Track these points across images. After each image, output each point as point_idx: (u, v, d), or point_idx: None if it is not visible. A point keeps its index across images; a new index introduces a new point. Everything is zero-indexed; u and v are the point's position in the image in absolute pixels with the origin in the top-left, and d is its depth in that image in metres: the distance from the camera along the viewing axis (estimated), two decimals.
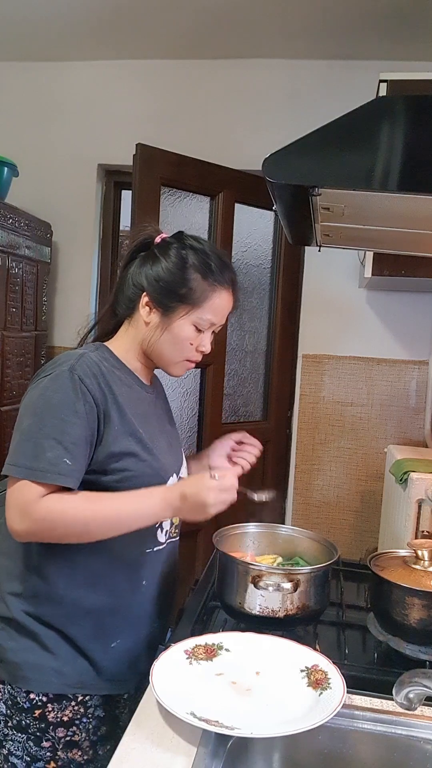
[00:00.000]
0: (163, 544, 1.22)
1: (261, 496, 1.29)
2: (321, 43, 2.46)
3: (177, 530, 1.28)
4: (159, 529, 1.20)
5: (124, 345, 1.23)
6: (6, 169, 2.32)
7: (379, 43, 2.40)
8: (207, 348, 1.22)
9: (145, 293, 1.18)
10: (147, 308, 1.18)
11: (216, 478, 1.07)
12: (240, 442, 1.38)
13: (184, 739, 0.88)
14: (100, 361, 1.14)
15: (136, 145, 2.25)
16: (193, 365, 1.24)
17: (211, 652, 1.05)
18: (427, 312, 2.55)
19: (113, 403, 1.12)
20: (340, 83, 2.52)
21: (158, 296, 1.17)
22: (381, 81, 1.91)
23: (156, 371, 1.31)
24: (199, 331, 1.19)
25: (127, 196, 2.80)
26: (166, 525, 1.22)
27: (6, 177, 2.33)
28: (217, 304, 1.19)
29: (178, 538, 1.29)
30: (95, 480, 1.10)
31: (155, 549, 1.20)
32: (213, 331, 1.24)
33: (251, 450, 1.37)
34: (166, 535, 1.22)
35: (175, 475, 1.24)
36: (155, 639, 1.21)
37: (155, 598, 1.22)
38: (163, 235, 1.23)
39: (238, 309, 2.67)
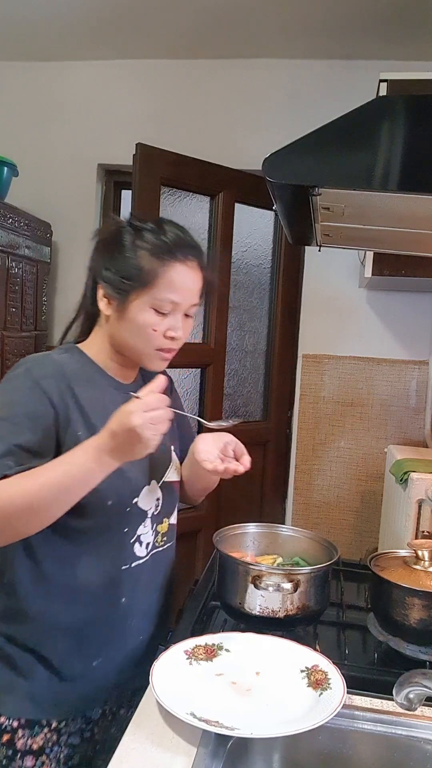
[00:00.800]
0: (143, 557, 1.14)
1: (220, 423, 1.19)
2: (321, 43, 2.46)
3: (165, 539, 1.21)
4: (137, 543, 1.13)
5: (96, 345, 1.16)
6: (6, 169, 2.32)
7: (379, 43, 2.39)
8: (178, 333, 1.10)
9: (99, 286, 1.11)
10: (105, 300, 1.10)
11: (139, 398, 0.95)
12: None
13: (184, 739, 0.88)
14: (66, 363, 1.09)
15: (136, 145, 2.25)
16: (170, 354, 1.13)
17: (211, 653, 1.05)
18: (427, 312, 2.55)
19: (75, 406, 1.05)
20: (340, 83, 2.52)
21: (110, 284, 1.09)
22: (381, 81, 1.91)
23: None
24: (161, 314, 1.08)
25: (127, 196, 2.80)
26: (147, 537, 1.15)
27: (6, 177, 2.33)
28: (175, 280, 1.07)
29: (167, 545, 1.22)
30: None
31: (134, 564, 1.12)
32: (187, 315, 1.13)
33: (239, 466, 1.17)
34: (147, 547, 1.15)
35: (153, 483, 1.17)
36: (147, 654, 1.15)
37: (142, 613, 1.17)
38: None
39: (236, 308, 2.71)
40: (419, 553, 1.22)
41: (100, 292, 1.10)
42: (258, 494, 2.75)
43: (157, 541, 1.19)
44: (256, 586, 1.14)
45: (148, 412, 0.93)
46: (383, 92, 1.90)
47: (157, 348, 1.10)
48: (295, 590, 1.14)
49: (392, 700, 0.83)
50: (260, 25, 2.35)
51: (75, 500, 0.97)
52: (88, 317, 1.19)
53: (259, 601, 1.16)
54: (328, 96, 2.49)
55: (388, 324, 2.60)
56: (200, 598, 1.32)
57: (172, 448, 1.26)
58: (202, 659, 1.04)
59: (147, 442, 0.94)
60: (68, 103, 2.75)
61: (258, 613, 1.16)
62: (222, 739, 0.88)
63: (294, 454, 2.71)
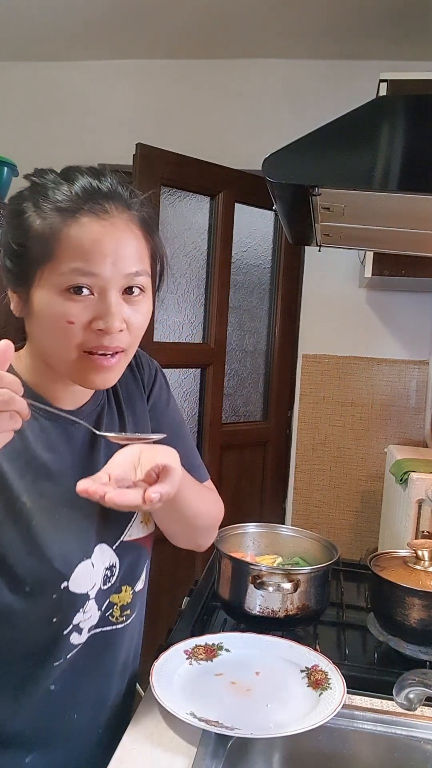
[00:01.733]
0: (78, 645, 0.87)
1: (119, 435, 0.88)
2: (321, 43, 2.45)
3: (128, 612, 0.93)
4: (73, 633, 0.85)
5: (29, 361, 0.84)
6: (6, 169, 2.32)
7: (379, 43, 2.39)
8: (110, 322, 0.75)
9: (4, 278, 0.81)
10: (14, 298, 0.80)
11: None
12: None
13: (184, 739, 0.88)
14: None
15: (136, 145, 2.25)
16: (112, 362, 0.78)
17: (211, 653, 1.05)
18: (427, 312, 2.55)
19: None
20: (340, 83, 2.52)
21: (8, 272, 0.80)
22: (381, 81, 1.90)
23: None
24: (75, 295, 0.74)
25: None
26: (90, 621, 0.86)
27: (6, 177, 2.33)
28: (84, 240, 0.73)
29: (130, 620, 0.94)
30: None
31: (69, 655, 0.86)
32: (130, 292, 0.78)
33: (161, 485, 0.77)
34: (90, 630, 0.88)
35: (102, 547, 0.87)
36: (106, 745, 0.90)
37: (90, 702, 0.92)
38: None
39: (236, 308, 2.71)
40: (419, 553, 1.22)
41: (9, 293, 0.81)
42: (258, 494, 2.75)
43: (112, 616, 0.91)
44: (256, 586, 1.14)
45: None
46: (383, 92, 1.90)
47: (82, 349, 0.76)
48: (295, 590, 1.14)
49: (392, 700, 0.83)
50: (260, 25, 2.35)
51: None
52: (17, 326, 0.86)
53: (259, 601, 1.16)
54: (328, 96, 2.49)
55: (388, 324, 2.59)
56: (200, 597, 1.32)
57: None
58: (202, 659, 1.04)
59: None
60: (68, 103, 2.75)
61: (258, 613, 1.16)
62: (222, 739, 0.88)
63: (294, 454, 2.71)
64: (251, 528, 1.38)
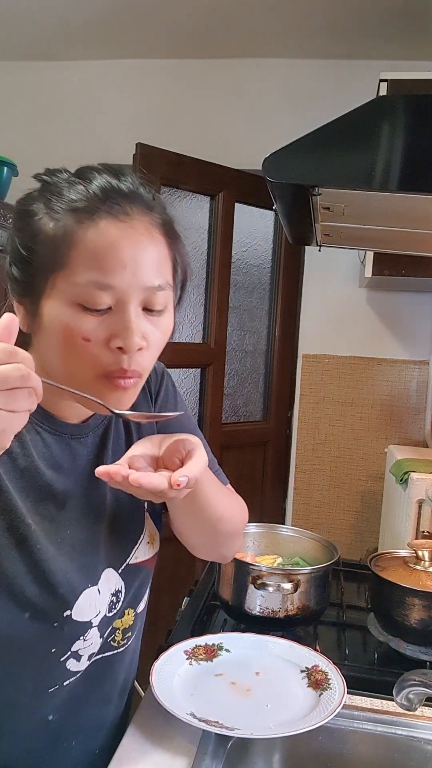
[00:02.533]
0: (79, 671, 0.82)
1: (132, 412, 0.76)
2: (321, 43, 2.45)
3: (129, 634, 0.89)
4: (71, 659, 0.79)
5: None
6: (6, 169, 2.32)
7: (379, 43, 2.39)
8: (130, 339, 0.66)
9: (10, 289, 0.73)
10: (20, 310, 0.72)
11: None
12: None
13: (184, 739, 0.88)
14: None
15: (136, 144, 2.25)
16: (130, 382, 0.70)
17: (211, 653, 1.05)
18: (427, 312, 2.55)
19: None
20: (340, 83, 2.52)
21: (14, 281, 0.71)
22: (381, 80, 1.90)
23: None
24: (92, 311, 0.66)
25: None
26: (90, 648, 0.81)
27: (6, 177, 2.33)
28: (103, 247, 0.65)
29: (129, 643, 0.89)
30: None
31: (66, 683, 0.80)
32: (150, 309, 0.69)
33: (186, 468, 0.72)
34: (90, 657, 0.82)
35: (109, 572, 0.82)
36: (108, 751, 0.87)
37: (86, 730, 0.87)
38: None
39: (236, 308, 2.71)
40: (419, 553, 1.22)
41: (15, 302, 0.72)
42: (258, 494, 2.75)
43: (113, 641, 0.86)
44: (256, 586, 1.14)
45: None
46: (383, 92, 1.90)
47: (101, 371, 0.68)
48: (295, 590, 1.14)
49: (392, 700, 0.83)
50: (260, 25, 2.35)
51: None
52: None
53: (259, 601, 1.16)
54: (328, 96, 2.49)
55: (388, 324, 2.59)
56: (200, 597, 1.32)
57: (145, 505, 0.87)
58: (202, 659, 1.03)
59: None
60: (68, 103, 2.75)
61: (258, 613, 1.16)
62: (222, 739, 0.88)
63: (294, 454, 2.71)
64: (251, 528, 1.38)
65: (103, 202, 0.66)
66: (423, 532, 1.63)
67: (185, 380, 2.52)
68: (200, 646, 1.06)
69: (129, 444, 0.84)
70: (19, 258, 0.70)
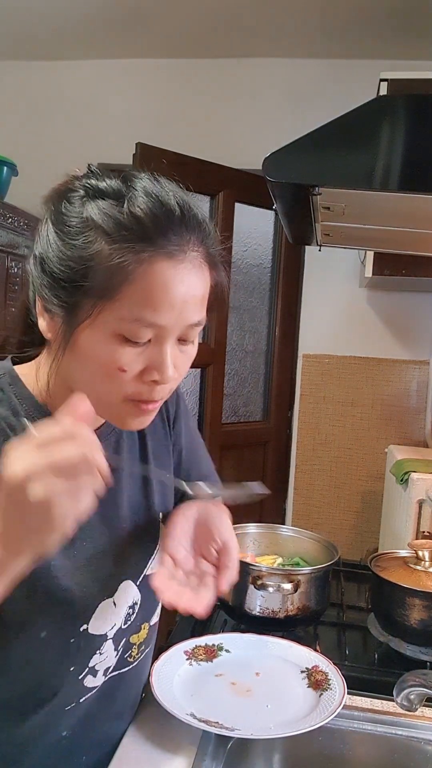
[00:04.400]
0: (95, 687, 0.81)
1: (204, 489, 0.82)
2: (321, 43, 2.45)
3: (143, 647, 0.89)
4: (88, 676, 0.79)
5: (44, 378, 0.74)
6: (6, 168, 2.32)
7: (380, 43, 2.39)
8: (165, 373, 0.67)
9: (37, 292, 0.70)
10: (45, 317, 0.70)
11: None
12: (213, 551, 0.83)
13: (184, 740, 0.87)
14: None
15: (136, 144, 2.25)
16: (153, 407, 0.71)
17: (211, 653, 1.05)
18: (428, 312, 2.54)
19: None
20: (340, 83, 2.52)
21: (50, 290, 0.67)
22: (381, 80, 1.90)
23: None
24: (131, 343, 0.66)
25: None
26: (107, 662, 0.81)
27: (6, 177, 2.33)
28: (154, 290, 0.64)
29: (143, 656, 0.90)
30: None
31: (81, 700, 0.80)
32: (183, 341, 0.71)
33: (228, 571, 0.80)
34: (106, 673, 0.82)
35: (127, 584, 0.81)
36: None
37: (97, 744, 0.86)
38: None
39: (236, 308, 2.70)
40: (419, 553, 1.22)
41: (39, 304, 0.70)
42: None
43: (129, 656, 0.85)
44: (256, 587, 1.14)
45: (47, 456, 0.52)
46: (383, 92, 1.90)
47: (127, 398, 0.68)
48: (295, 591, 1.14)
49: (392, 700, 0.83)
50: (260, 25, 2.35)
51: None
52: (32, 335, 0.77)
53: (259, 601, 1.16)
54: (328, 96, 2.48)
55: (388, 324, 2.59)
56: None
57: (160, 516, 0.87)
58: (202, 659, 1.03)
59: (51, 519, 0.52)
60: (68, 103, 2.75)
61: (258, 614, 1.16)
62: (222, 739, 0.88)
63: (294, 454, 2.71)
64: (251, 528, 1.38)
65: (163, 234, 0.65)
66: (423, 532, 1.63)
67: (185, 380, 2.52)
68: (200, 646, 1.06)
69: (143, 452, 0.86)
70: (61, 271, 0.66)
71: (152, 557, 0.86)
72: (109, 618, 0.79)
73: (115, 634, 0.80)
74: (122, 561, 0.81)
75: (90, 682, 0.80)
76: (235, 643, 1.08)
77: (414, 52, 2.39)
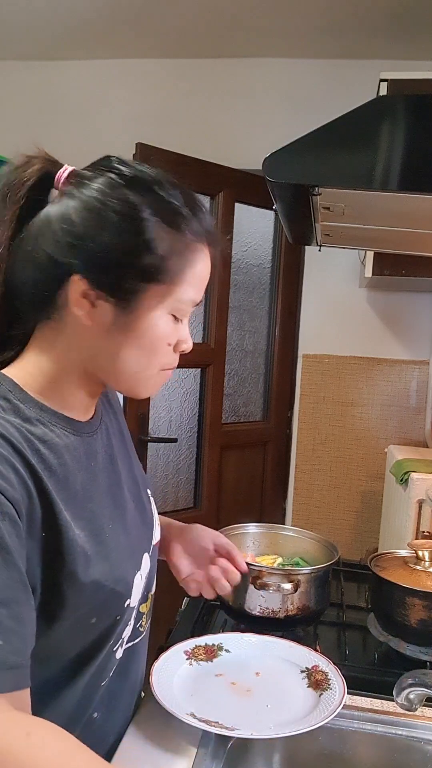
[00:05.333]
0: (118, 660, 0.85)
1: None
2: (321, 43, 2.45)
3: (147, 618, 0.92)
4: (119, 648, 0.83)
5: (44, 369, 0.75)
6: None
7: (380, 43, 2.39)
8: (189, 344, 0.80)
9: (78, 275, 0.70)
10: (86, 301, 0.71)
11: None
12: (224, 554, 1.01)
13: (184, 739, 0.87)
14: (6, 425, 0.68)
15: (136, 144, 2.25)
16: (170, 375, 0.82)
17: (211, 653, 1.05)
18: (427, 312, 2.55)
19: (40, 499, 0.69)
20: (340, 83, 2.52)
21: (106, 277, 0.70)
22: (381, 80, 1.90)
23: None
24: (176, 320, 0.76)
25: None
26: (127, 632, 0.84)
27: None
28: (203, 275, 0.77)
29: (147, 629, 0.93)
30: None
31: (111, 673, 0.84)
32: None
33: (234, 573, 0.99)
34: (125, 643, 0.86)
35: (145, 556, 0.87)
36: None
37: (120, 724, 0.90)
38: (72, 169, 0.76)
39: (236, 308, 2.69)
40: (419, 553, 1.22)
41: (77, 290, 0.71)
42: (258, 494, 2.75)
43: (140, 626, 0.89)
44: (256, 587, 1.14)
45: None
46: (383, 92, 1.90)
47: (162, 368, 0.79)
48: (295, 590, 1.14)
49: (392, 700, 0.83)
50: (260, 24, 2.35)
51: None
52: (10, 321, 0.77)
53: (259, 601, 1.16)
54: (328, 96, 2.49)
55: (388, 324, 2.59)
56: (200, 598, 1.32)
57: (149, 492, 0.96)
58: (202, 659, 1.03)
59: None
60: (68, 103, 2.75)
61: (258, 614, 1.16)
62: (222, 739, 0.88)
63: (294, 454, 2.71)
64: (251, 528, 1.38)
65: (199, 220, 0.76)
66: (423, 532, 1.63)
67: (185, 380, 2.52)
68: (200, 646, 1.06)
69: (119, 430, 0.92)
70: (116, 258, 0.71)
71: (154, 527, 0.93)
72: (138, 590, 0.84)
73: (136, 605, 0.85)
74: (138, 535, 0.86)
75: (119, 653, 0.84)
76: (235, 643, 1.08)
77: (414, 52, 2.39)
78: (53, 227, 0.70)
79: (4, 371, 0.75)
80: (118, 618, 0.79)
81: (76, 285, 0.71)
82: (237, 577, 0.99)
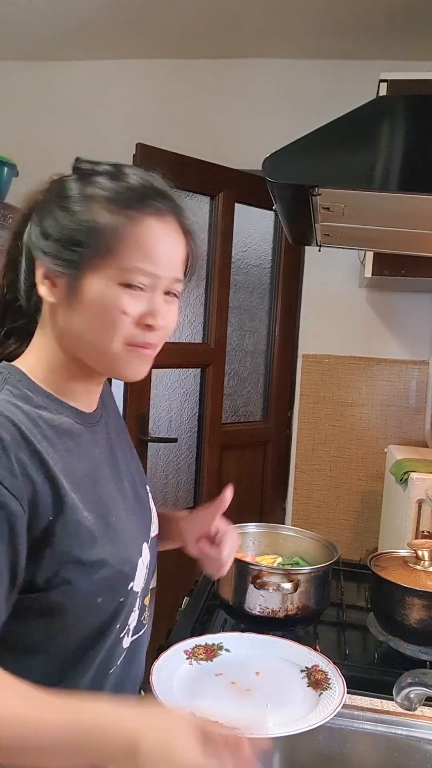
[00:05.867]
0: (126, 649, 0.87)
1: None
2: (321, 43, 2.45)
3: (148, 611, 0.94)
4: (126, 635, 0.85)
5: (40, 358, 0.82)
6: (6, 169, 2.32)
7: (379, 43, 2.39)
8: (158, 319, 0.79)
9: (39, 261, 0.79)
10: (47, 283, 0.79)
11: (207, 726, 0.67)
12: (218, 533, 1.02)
13: None
14: (16, 411, 0.73)
15: (136, 144, 2.25)
16: (150, 352, 0.81)
17: (211, 653, 1.05)
18: (427, 312, 2.55)
19: (47, 484, 0.73)
20: (340, 83, 2.52)
21: (53, 257, 0.78)
22: (381, 81, 1.90)
23: None
24: (131, 290, 0.77)
25: None
26: (134, 621, 0.87)
27: (6, 177, 2.33)
28: (148, 242, 0.77)
29: (149, 623, 0.95)
30: (34, 601, 0.73)
31: (119, 662, 0.85)
32: (169, 294, 0.81)
33: (232, 542, 1.01)
34: (130, 633, 0.87)
35: (144, 546, 0.89)
36: None
37: None
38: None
39: (236, 308, 2.70)
40: (419, 553, 1.22)
41: (40, 273, 0.79)
42: (258, 494, 2.75)
43: (143, 618, 0.91)
44: (256, 586, 1.14)
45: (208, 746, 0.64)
46: (383, 92, 1.90)
47: (128, 342, 0.78)
48: (295, 590, 1.14)
49: (392, 700, 0.83)
50: (260, 25, 2.35)
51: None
52: (16, 316, 0.86)
53: (259, 601, 1.16)
54: (328, 96, 2.49)
55: (388, 324, 2.59)
56: (200, 598, 1.32)
57: (148, 488, 0.99)
58: (202, 659, 1.03)
59: None
60: (68, 103, 2.75)
61: (258, 613, 1.16)
62: None
63: (294, 454, 2.71)
64: (251, 528, 1.38)
65: (149, 201, 0.79)
66: (423, 532, 1.63)
67: (185, 380, 2.52)
68: (200, 645, 1.06)
69: (117, 426, 0.95)
70: (65, 238, 0.78)
71: (153, 519, 0.95)
72: (141, 575, 0.86)
73: (140, 592, 0.87)
74: (138, 524, 0.89)
75: (126, 642, 0.85)
76: (235, 642, 1.08)
77: (414, 53, 2.39)
78: (32, 229, 0.81)
79: (14, 362, 0.82)
80: (122, 600, 0.81)
81: (40, 269, 0.79)
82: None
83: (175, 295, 0.82)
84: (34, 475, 0.71)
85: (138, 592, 0.86)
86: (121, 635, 0.84)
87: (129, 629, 0.86)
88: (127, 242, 0.76)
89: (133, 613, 0.86)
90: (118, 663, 0.85)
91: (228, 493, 0.97)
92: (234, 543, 1.01)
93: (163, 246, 0.79)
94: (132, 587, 0.83)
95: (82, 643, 0.79)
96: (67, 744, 0.64)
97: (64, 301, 0.79)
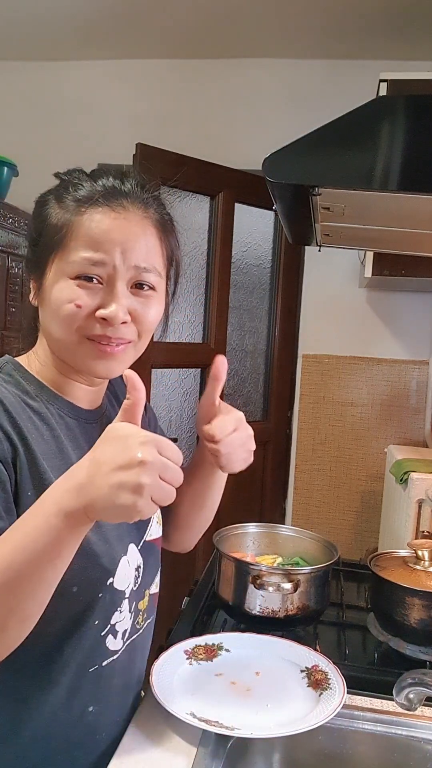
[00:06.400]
0: (118, 651, 0.87)
1: None
2: (321, 43, 2.46)
3: (145, 616, 0.94)
4: (109, 636, 0.84)
5: (40, 355, 0.86)
6: (6, 169, 2.32)
7: (380, 43, 2.40)
8: (112, 310, 0.77)
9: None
10: (33, 287, 0.84)
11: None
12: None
13: (184, 739, 0.87)
14: (5, 392, 0.78)
15: (136, 144, 2.25)
16: (112, 349, 0.80)
17: (211, 653, 1.05)
18: (427, 312, 2.55)
19: (27, 461, 0.75)
20: (340, 83, 2.52)
21: (28, 261, 0.84)
22: (381, 81, 1.91)
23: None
24: (85, 283, 0.77)
25: None
26: (124, 624, 0.87)
27: (6, 177, 2.33)
28: (93, 232, 0.77)
29: (147, 623, 0.95)
30: None
31: (105, 663, 0.85)
32: (139, 286, 0.80)
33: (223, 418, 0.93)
34: (124, 636, 0.87)
35: (132, 547, 0.89)
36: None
37: (114, 722, 0.90)
38: None
39: (236, 308, 2.70)
40: (419, 553, 1.22)
41: (30, 278, 0.85)
42: (258, 494, 2.75)
43: (137, 623, 0.91)
44: (256, 586, 1.14)
45: (162, 463, 0.63)
46: (383, 92, 1.90)
47: (84, 335, 0.78)
48: (295, 590, 1.14)
49: (392, 700, 0.83)
50: (260, 25, 2.35)
51: (49, 580, 0.68)
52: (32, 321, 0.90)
53: (259, 601, 1.16)
54: (328, 96, 2.49)
55: (388, 324, 2.60)
56: (200, 598, 1.32)
57: None
58: (202, 659, 1.03)
59: (142, 509, 0.63)
60: (68, 103, 2.75)
61: (258, 613, 1.16)
62: (222, 739, 0.88)
63: (294, 454, 2.71)
64: (251, 528, 1.38)
65: (103, 197, 0.79)
66: (423, 532, 1.63)
67: (185, 380, 2.52)
68: (200, 645, 1.06)
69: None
70: (31, 241, 0.83)
71: (149, 524, 0.94)
72: (126, 575, 0.86)
73: (130, 594, 0.87)
74: (127, 526, 0.88)
75: (111, 643, 0.85)
76: (235, 642, 1.08)
77: (414, 53, 2.39)
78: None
79: (19, 357, 0.86)
80: (100, 596, 0.81)
81: (29, 275, 0.84)
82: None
83: (151, 288, 0.82)
84: (17, 442, 0.74)
85: (123, 592, 0.85)
86: (102, 634, 0.83)
87: (115, 630, 0.85)
88: (76, 235, 0.77)
89: (117, 614, 0.85)
90: (104, 664, 0.85)
91: (218, 362, 0.86)
92: (227, 419, 0.91)
93: (116, 235, 0.78)
94: (112, 583, 0.82)
95: (58, 634, 0.79)
96: (46, 526, 0.64)
97: (40, 302, 0.83)
